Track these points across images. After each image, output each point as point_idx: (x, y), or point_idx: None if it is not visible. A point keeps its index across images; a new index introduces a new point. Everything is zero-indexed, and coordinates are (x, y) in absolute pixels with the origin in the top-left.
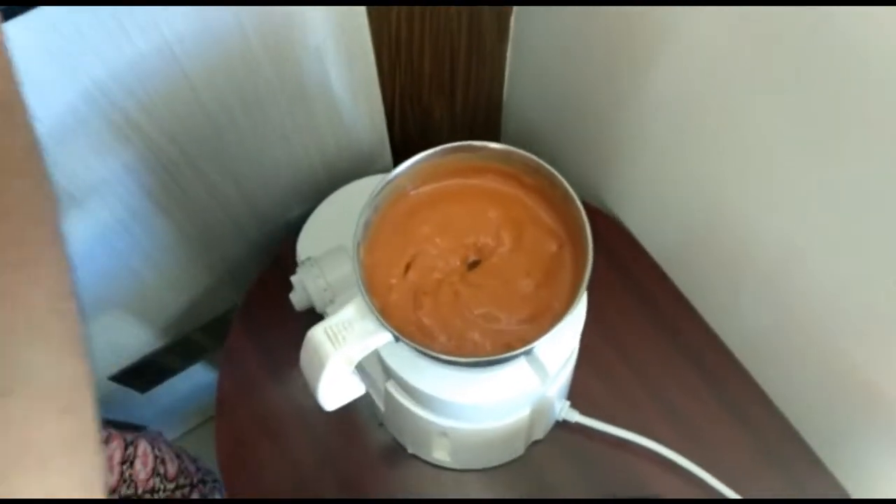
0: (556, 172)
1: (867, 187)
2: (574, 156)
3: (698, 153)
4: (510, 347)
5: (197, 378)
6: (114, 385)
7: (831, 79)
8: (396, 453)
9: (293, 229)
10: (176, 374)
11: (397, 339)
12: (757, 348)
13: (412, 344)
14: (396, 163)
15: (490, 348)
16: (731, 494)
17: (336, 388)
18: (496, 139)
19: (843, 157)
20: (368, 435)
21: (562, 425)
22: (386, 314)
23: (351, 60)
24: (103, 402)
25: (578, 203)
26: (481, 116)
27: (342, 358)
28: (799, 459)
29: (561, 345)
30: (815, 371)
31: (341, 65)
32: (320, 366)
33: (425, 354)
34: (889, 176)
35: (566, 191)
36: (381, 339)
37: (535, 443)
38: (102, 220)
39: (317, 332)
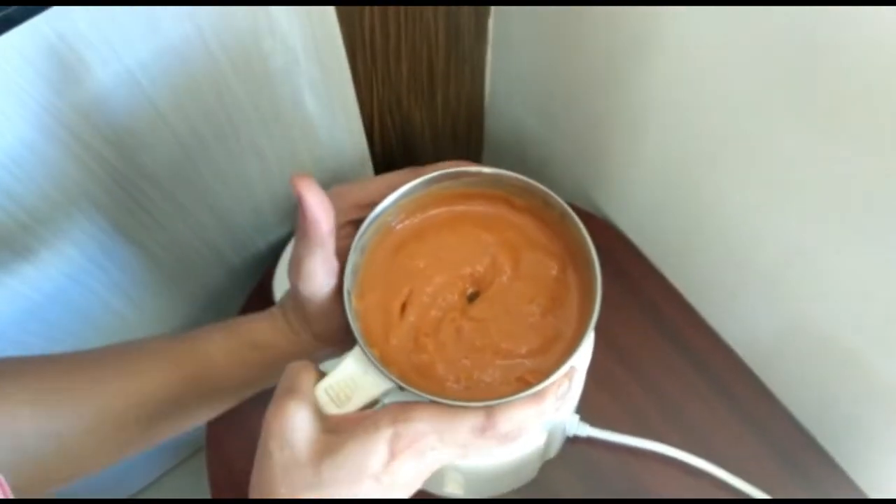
0: (550, 191)
1: (872, 183)
2: (563, 156)
3: (696, 151)
4: (523, 381)
5: None
6: None
7: (833, 74)
8: None
9: (275, 252)
10: None
11: (403, 389)
12: (762, 349)
13: (419, 393)
14: (378, 175)
15: (502, 385)
16: (751, 492)
17: None
18: (480, 143)
19: (845, 153)
20: None
21: (572, 440)
22: (387, 362)
23: (324, 72)
24: None
25: (579, 223)
26: (463, 120)
27: None
28: (809, 458)
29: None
30: (822, 370)
31: (314, 77)
32: None
33: (434, 402)
34: (893, 171)
35: (563, 210)
36: (386, 390)
37: (548, 461)
38: (73, 259)
39: (318, 394)
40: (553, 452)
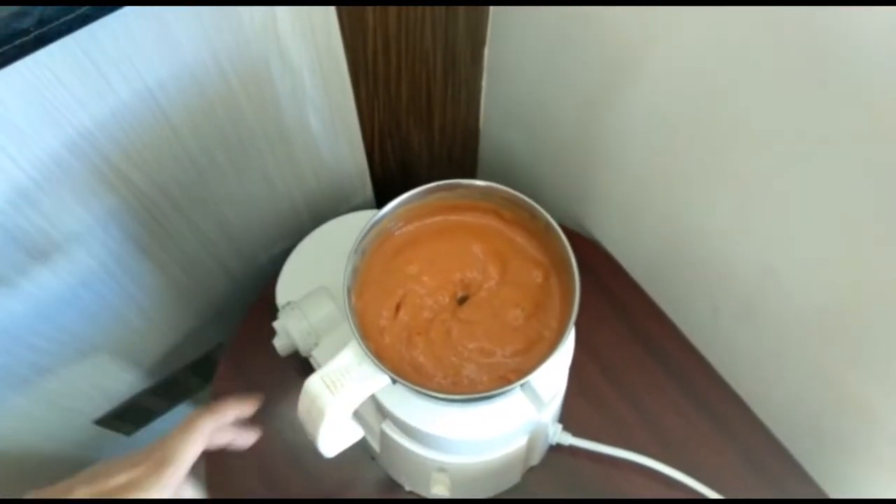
0: (536, 205)
1: (841, 207)
2: (552, 179)
3: (674, 175)
4: (506, 380)
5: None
6: (99, 429)
7: (806, 99)
8: (394, 490)
9: (277, 264)
10: (161, 415)
11: (394, 382)
12: (740, 364)
13: (409, 385)
14: (377, 194)
15: (486, 382)
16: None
17: (336, 436)
18: (474, 165)
19: (817, 178)
20: (364, 471)
21: (555, 449)
22: (380, 356)
23: (329, 96)
24: (89, 447)
25: (561, 234)
26: (459, 143)
27: (341, 405)
28: (784, 470)
29: (554, 372)
30: (794, 384)
31: (319, 101)
32: (320, 415)
33: (422, 394)
34: (862, 194)
35: (548, 222)
36: (379, 382)
37: (531, 469)
38: (87, 266)
39: (314, 382)
40: (536, 459)
